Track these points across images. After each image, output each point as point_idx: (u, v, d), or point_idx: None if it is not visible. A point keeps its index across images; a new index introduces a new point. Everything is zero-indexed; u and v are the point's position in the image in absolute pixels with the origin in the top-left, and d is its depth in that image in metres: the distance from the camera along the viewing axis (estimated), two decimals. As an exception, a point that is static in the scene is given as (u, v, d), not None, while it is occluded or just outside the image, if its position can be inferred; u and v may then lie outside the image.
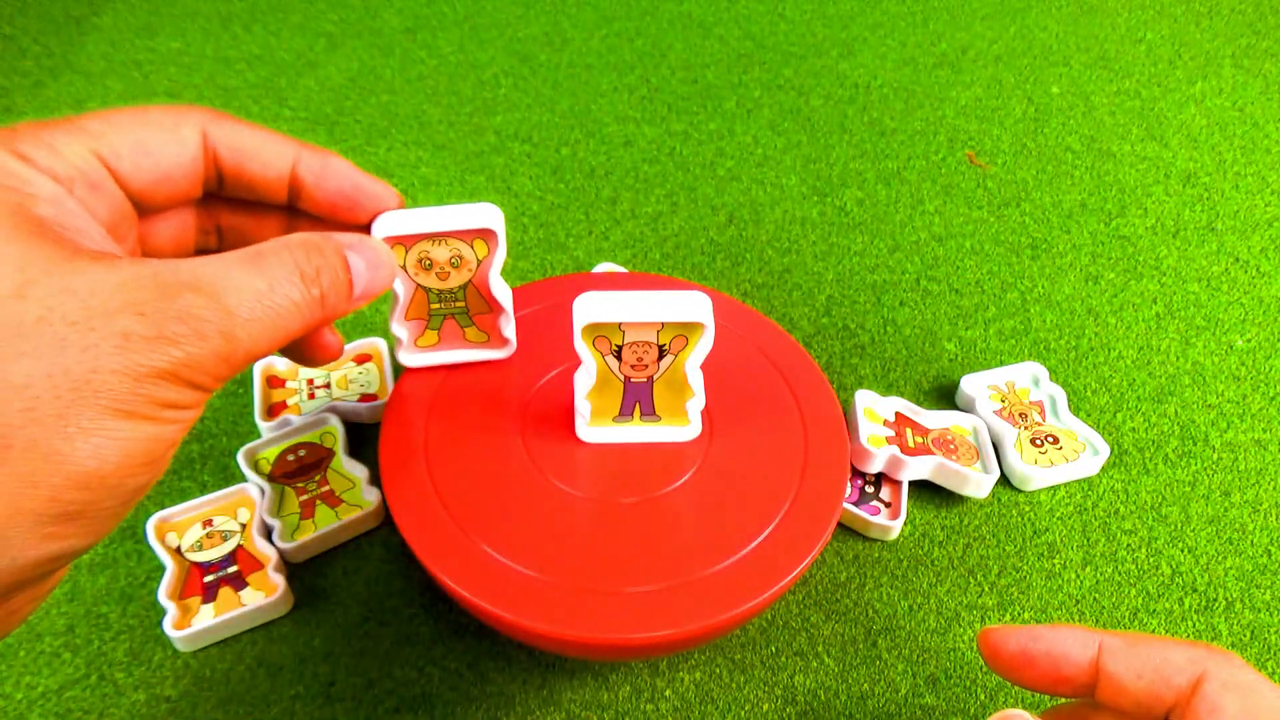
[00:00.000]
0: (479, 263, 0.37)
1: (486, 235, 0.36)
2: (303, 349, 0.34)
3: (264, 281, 0.25)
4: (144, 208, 0.29)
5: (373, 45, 0.78)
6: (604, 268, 0.55)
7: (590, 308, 0.34)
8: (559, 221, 0.61)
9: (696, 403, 0.37)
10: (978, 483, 0.44)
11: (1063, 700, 0.34)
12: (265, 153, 0.30)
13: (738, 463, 0.37)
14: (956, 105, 0.73)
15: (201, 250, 0.33)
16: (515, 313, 0.40)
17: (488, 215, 0.35)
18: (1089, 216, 0.62)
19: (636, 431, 0.38)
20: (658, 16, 0.83)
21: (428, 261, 0.36)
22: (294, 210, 0.32)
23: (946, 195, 0.64)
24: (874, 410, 0.46)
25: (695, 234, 0.60)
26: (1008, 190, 0.64)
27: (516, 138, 0.68)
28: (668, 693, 0.38)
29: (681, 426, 0.38)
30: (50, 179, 0.25)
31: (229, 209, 0.32)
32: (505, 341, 0.40)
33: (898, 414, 0.47)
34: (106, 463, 0.22)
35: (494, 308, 0.39)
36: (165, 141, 0.28)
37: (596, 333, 0.35)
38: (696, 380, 0.36)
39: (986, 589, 0.42)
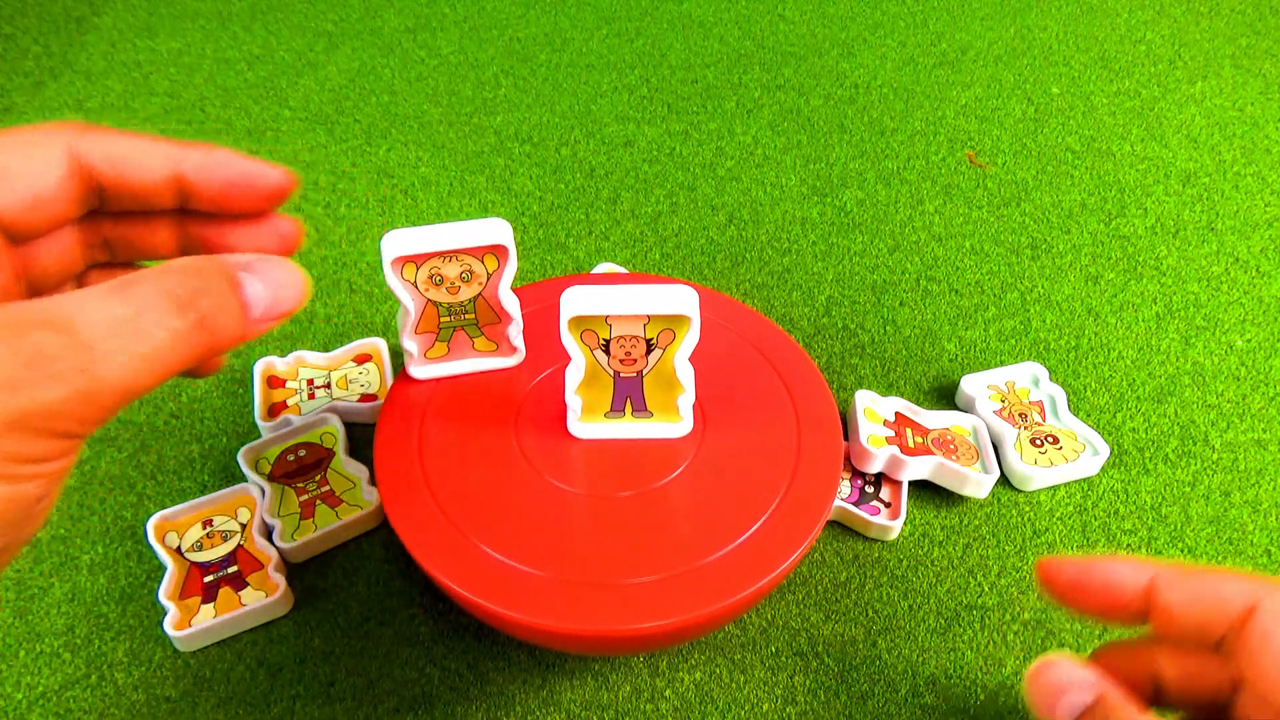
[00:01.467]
0: (489, 276, 0.37)
1: (497, 251, 0.36)
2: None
3: (128, 309, 0.22)
4: (17, 236, 0.27)
5: (373, 45, 0.78)
6: (604, 268, 0.55)
7: (576, 301, 0.34)
8: (559, 221, 0.61)
9: (687, 398, 0.37)
10: (977, 483, 0.44)
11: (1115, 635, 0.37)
12: (145, 159, 0.28)
13: (731, 455, 0.37)
14: (956, 105, 0.73)
15: (93, 268, 0.31)
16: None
17: (498, 231, 0.35)
18: (1089, 216, 0.62)
19: (628, 427, 0.38)
20: (658, 16, 0.83)
21: (438, 277, 0.36)
22: (186, 213, 0.30)
23: (946, 195, 0.64)
24: (874, 410, 0.46)
25: (695, 234, 0.60)
26: (1008, 190, 0.64)
27: (516, 138, 0.68)
28: (668, 693, 0.38)
29: (673, 423, 0.38)
30: None
31: (114, 222, 0.30)
32: (514, 349, 0.40)
33: (898, 414, 0.47)
34: None
35: (503, 318, 0.39)
36: (28, 165, 0.26)
37: (583, 326, 0.35)
38: (686, 375, 0.36)
39: (986, 589, 0.42)
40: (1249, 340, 0.54)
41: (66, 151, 0.27)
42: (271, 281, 0.27)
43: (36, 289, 0.29)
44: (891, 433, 0.45)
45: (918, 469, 0.44)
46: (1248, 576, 0.28)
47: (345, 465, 0.44)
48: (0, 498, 0.21)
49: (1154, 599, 0.29)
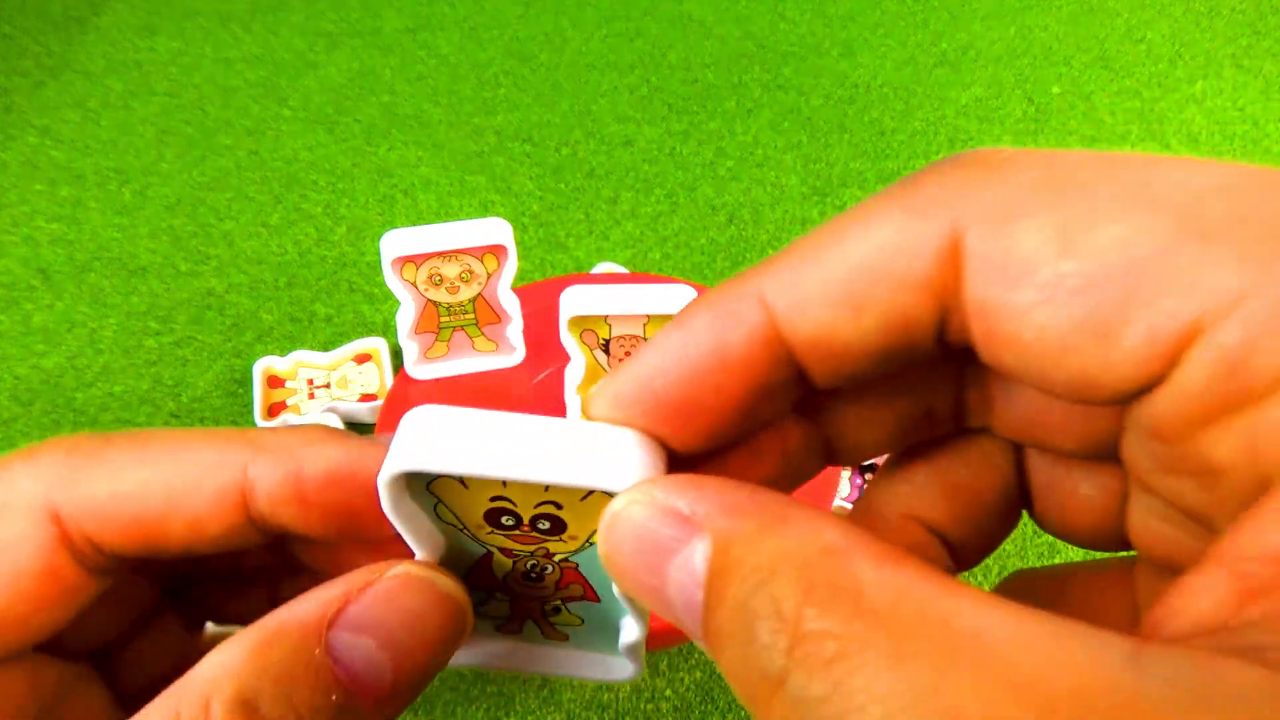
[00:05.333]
0: (489, 276, 0.37)
1: (497, 250, 0.36)
2: None
3: None
4: (12, 654, 0.16)
5: (373, 45, 0.78)
6: (604, 268, 0.55)
7: (576, 301, 0.34)
8: (559, 221, 0.61)
9: None
10: None
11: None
12: (182, 506, 0.16)
13: None
14: (956, 105, 0.73)
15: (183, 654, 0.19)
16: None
17: (498, 231, 0.35)
18: (1089, 216, 0.62)
19: None
20: (658, 16, 0.83)
21: (438, 277, 0.37)
22: (283, 556, 0.19)
23: (946, 195, 0.64)
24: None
25: (695, 234, 0.60)
26: (1008, 190, 0.64)
27: (516, 138, 0.68)
28: (668, 693, 0.38)
29: None
30: None
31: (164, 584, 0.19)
32: (514, 349, 0.40)
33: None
34: None
35: (503, 318, 0.39)
36: None
37: (583, 326, 0.35)
38: None
39: (986, 589, 0.42)
40: (1249, 340, 0.54)
41: (41, 530, 0.16)
42: (385, 623, 0.15)
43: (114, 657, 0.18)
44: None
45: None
46: (893, 199, 0.13)
47: None
48: None
49: (783, 338, 0.14)
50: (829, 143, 0.68)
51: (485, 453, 0.14)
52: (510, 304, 0.38)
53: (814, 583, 0.10)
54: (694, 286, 0.42)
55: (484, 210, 0.62)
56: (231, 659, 0.14)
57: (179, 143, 0.67)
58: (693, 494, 0.12)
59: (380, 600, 0.15)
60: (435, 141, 0.67)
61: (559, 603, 0.18)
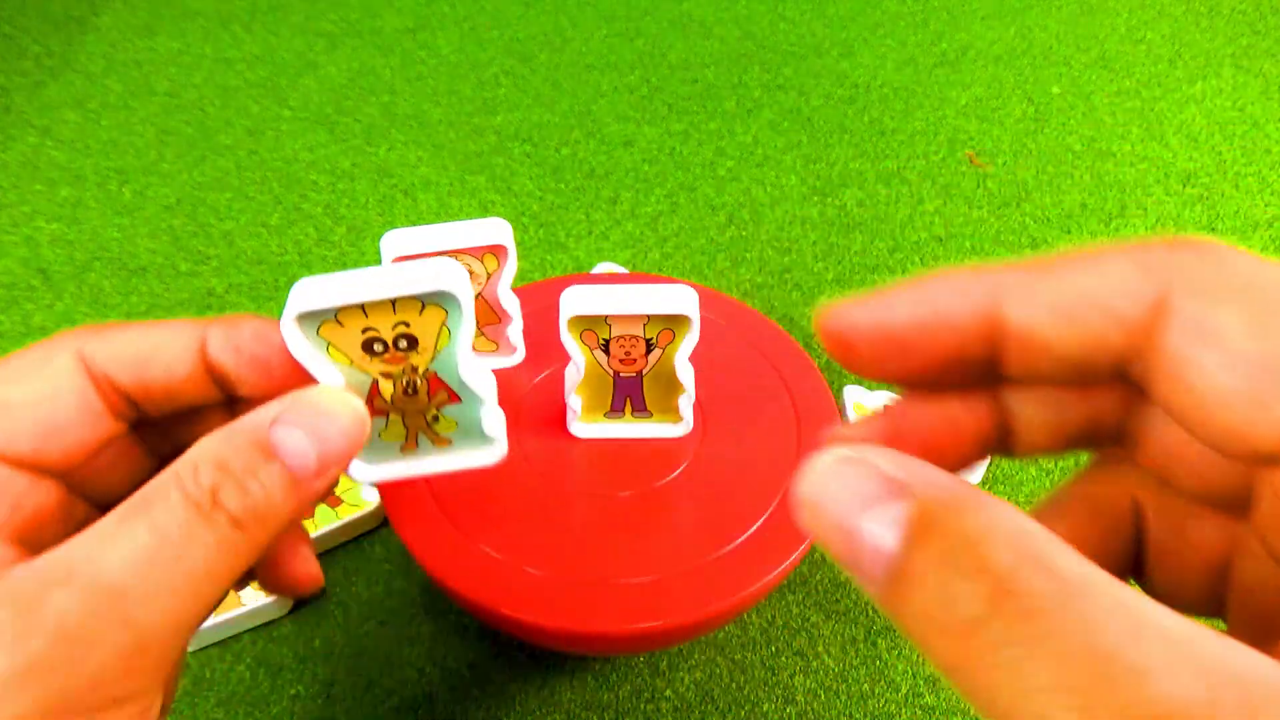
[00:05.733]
0: (488, 276, 0.37)
1: (497, 250, 0.36)
2: (266, 581, 0.25)
3: (150, 536, 0.19)
4: (50, 470, 0.22)
5: (373, 45, 0.78)
6: (604, 268, 0.55)
7: (576, 300, 0.34)
8: (559, 221, 0.61)
9: (687, 398, 0.37)
10: (968, 469, 0.44)
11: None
12: (162, 352, 0.23)
13: (731, 455, 0.37)
14: (956, 105, 0.73)
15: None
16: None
17: (498, 231, 0.35)
18: (1089, 216, 0.62)
19: (628, 428, 0.38)
20: (658, 16, 0.83)
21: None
22: (236, 401, 0.25)
23: (946, 195, 0.64)
24: (863, 405, 0.46)
25: (695, 234, 0.60)
26: (1008, 190, 0.64)
27: (516, 138, 0.68)
28: (668, 693, 0.38)
29: (673, 423, 0.38)
30: None
31: (162, 431, 0.25)
32: (514, 349, 0.40)
33: (886, 407, 0.47)
34: None
35: (503, 318, 0.39)
36: (35, 391, 0.22)
37: (583, 326, 0.35)
38: (686, 375, 0.36)
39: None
40: (1249, 340, 0.54)
41: (78, 368, 0.22)
42: (310, 420, 0.21)
43: (101, 502, 0.24)
44: (883, 426, 0.45)
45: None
46: (1138, 248, 0.17)
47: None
48: None
49: (1005, 327, 0.17)
50: (829, 143, 0.68)
51: (344, 290, 0.22)
52: (510, 304, 0.38)
53: (1020, 551, 0.13)
54: (694, 286, 0.42)
55: (484, 210, 0.62)
56: (209, 442, 0.20)
57: (179, 143, 0.67)
58: (906, 465, 0.16)
59: (305, 404, 0.21)
60: (435, 141, 0.67)
61: (436, 411, 0.26)
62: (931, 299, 0.18)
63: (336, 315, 0.23)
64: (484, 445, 0.27)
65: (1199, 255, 0.16)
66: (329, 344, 0.23)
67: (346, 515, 0.42)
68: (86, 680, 0.18)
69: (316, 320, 0.23)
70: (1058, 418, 0.19)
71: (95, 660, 0.18)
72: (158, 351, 0.23)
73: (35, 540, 0.21)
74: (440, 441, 0.27)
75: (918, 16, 0.84)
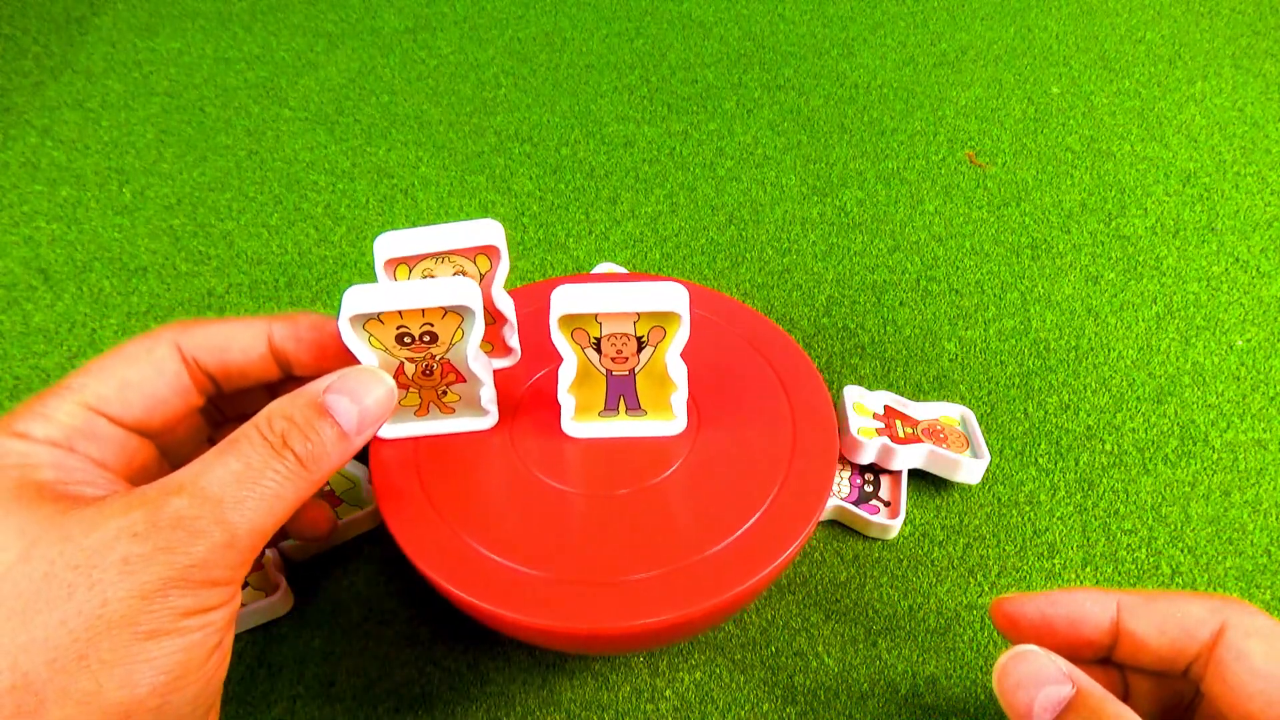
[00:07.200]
0: (481, 278, 0.37)
1: (489, 251, 0.36)
2: (292, 524, 0.35)
3: (240, 463, 0.26)
4: (150, 433, 0.30)
5: (373, 45, 0.78)
6: (604, 268, 0.55)
7: (566, 299, 0.34)
8: (559, 221, 0.61)
9: (680, 395, 0.37)
10: (969, 468, 0.44)
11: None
12: (239, 340, 0.31)
13: (726, 452, 0.37)
14: (956, 105, 0.73)
15: (224, 426, 0.35)
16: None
17: (489, 232, 0.35)
18: (1089, 216, 0.62)
19: (622, 426, 0.38)
20: (658, 16, 0.83)
21: (431, 279, 0.36)
22: (293, 380, 0.33)
23: (946, 195, 0.64)
24: (863, 404, 0.46)
25: (695, 234, 0.60)
26: (1008, 190, 0.64)
27: (516, 138, 0.68)
28: (668, 693, 0.38)
29: (667, 420, 0.38)
30: (49, 446, 0.26)
31: (231, 400, 0.34)
32: (509, 350, 0.40)
33: (887, 407, 0.47)
34: (138, 688, 0.23)
35: (498, 319, 0.39)
36: (144, 372, 0.29)
37: (574, 324, 0.35)
38: (678, 372, 0.36)
39: (986, 589, 0.42)
40: (1249, 340, 0.54)
41: (175, 351, 0.30)
42: (358, 391, 0.29)
43: (175, 461, 0.31)
44: (881, 425, 0.45)
45: (909, 457, 0.44)
46: (1209, 596, 0.28)
47: (345, 466, 0.44)
48: (177, 649, 0.24)
49: (1122, 630, 0.29)
50: (829, 143, 0.68)
51: (388, 299, 0.31)
52: (505, 305, 0.38)
53: None
54: (686, 284, 0.42)
55: (484, 210, 0.62)
56: (279, 403, 0.28)
57: (179, 143, 0.67)
58: (1072, 668, 0.27)
59: (350, 377, 0.29)
60: (435, 141, 0.67)
61: (445, 387, 0.36)
62: (1080, 603, 0.29)
63: (379, 316, 0.31)
64: (481, 415, 0.37)
65: (1243, 608, 0.28)
66: (371, 335, 0.32)
67: (346, 516, 0.42)
68: (194, 561, 0.24)
69: (364, 319, 0.31)
70: (1150, 697, 0.31)
71: (201, 548, 0.24)
72: (234, 340, 0.31)
73: (139, 485, 0.27)
74: (446, 410, 0.37)
75: (918, 16, 0.84)
